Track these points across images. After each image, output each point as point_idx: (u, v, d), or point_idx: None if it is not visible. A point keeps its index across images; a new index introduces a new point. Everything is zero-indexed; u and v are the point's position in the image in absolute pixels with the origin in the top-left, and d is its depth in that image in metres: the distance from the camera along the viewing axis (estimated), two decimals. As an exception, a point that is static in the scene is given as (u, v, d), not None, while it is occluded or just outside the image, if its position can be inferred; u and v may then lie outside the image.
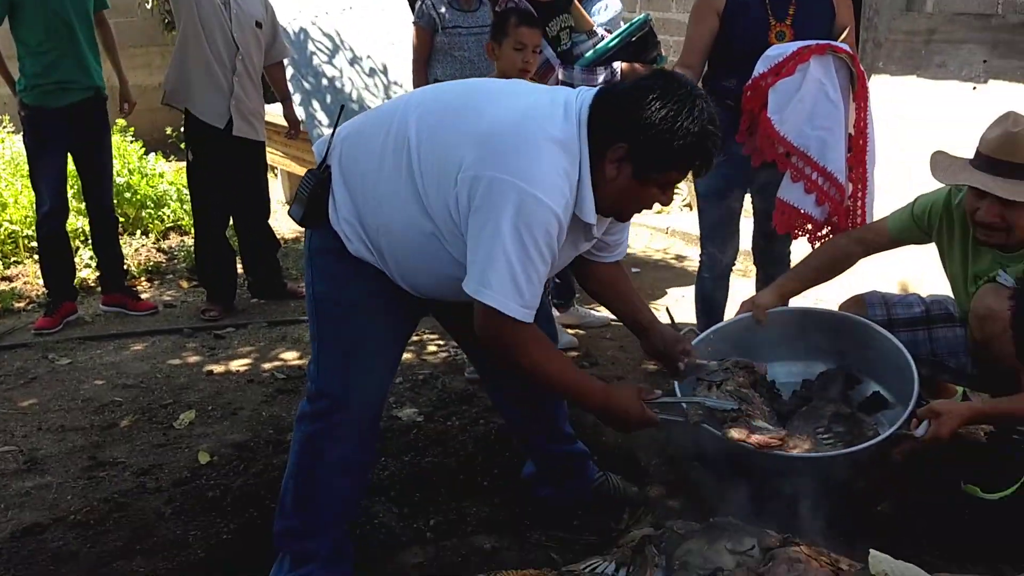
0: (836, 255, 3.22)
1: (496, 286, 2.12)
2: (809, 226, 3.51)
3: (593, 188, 2.21)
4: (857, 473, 2.74)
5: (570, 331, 4.74)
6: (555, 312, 4.79)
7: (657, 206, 2.35)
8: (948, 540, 2.67)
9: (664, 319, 4.74)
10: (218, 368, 4.48)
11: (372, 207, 2.29)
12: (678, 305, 4.99)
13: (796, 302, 3.37)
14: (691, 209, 6.81)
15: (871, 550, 1.78)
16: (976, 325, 2.77)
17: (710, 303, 3.91)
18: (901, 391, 2.81)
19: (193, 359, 4.62)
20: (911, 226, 3.01)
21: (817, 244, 3.54)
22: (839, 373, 3.08)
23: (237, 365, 4.52)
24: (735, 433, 2.48)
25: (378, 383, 2.47)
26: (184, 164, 5.58)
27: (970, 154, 2.80)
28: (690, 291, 4.24)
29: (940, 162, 2.86)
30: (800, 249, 3.79)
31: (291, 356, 4.63)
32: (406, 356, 4.61)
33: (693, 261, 5.56)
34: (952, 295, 3.10)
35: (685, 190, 6.99)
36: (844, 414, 2.86)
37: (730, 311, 3.98)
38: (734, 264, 3.89)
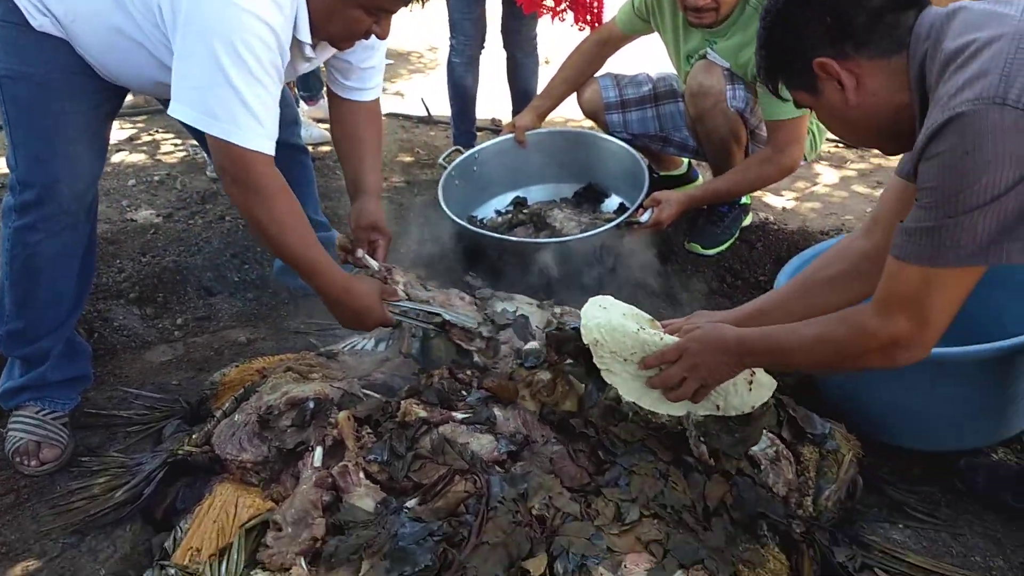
0: (580, 63, 3.26)
1: (225, 116, 1.89)
2: (550, 2, 3.49)
3: (307, 6, 2.00)
4: (596, 254, 2.94)
5: (321, 125, 4.54)
6: (304, 106, 4.56)
7: None
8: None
9: (421, 111, 4.76)
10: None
11: None
12: (434, 96, 4.89)
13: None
14: None
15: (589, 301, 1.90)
16: (690, 102, 2.92)
17: (461, 89, 3.86)
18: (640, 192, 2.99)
19: None
20: (634, 18, 3.07)
21: (557, 21, 3.54)
22: (591, 190, 3.31)
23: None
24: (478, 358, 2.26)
25: (86, 169, 2.20)
26: None
27: None
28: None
29: None
30: (545, 29, 3.77)
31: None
32: (137, 157, 4.25)
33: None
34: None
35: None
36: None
37: (481, 97, 3.98)
38: (483, 48, 3.82)
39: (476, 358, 2.18)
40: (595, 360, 1.86)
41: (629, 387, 1.85)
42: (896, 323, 1.43)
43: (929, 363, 1.95)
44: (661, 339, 1.80)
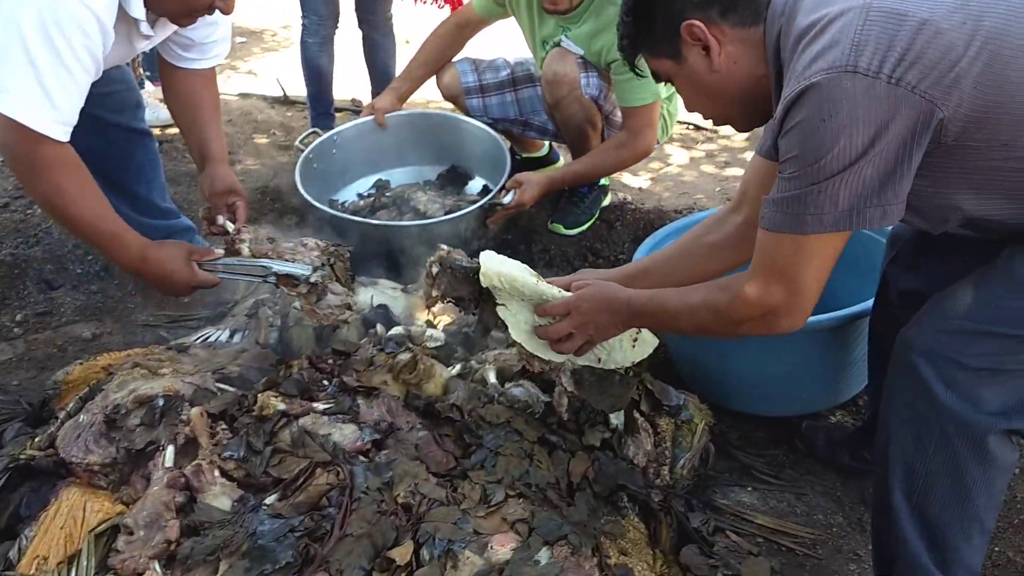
0: (439, 46, 3.21)
1: (17, 91, 1.78)
2: (410, -20, 3.46)
3: None
4: (468, 236, 2.93)
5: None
6: (149, 86, 4.33)
7: None
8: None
9: (276, 91, 4.60)
10: None
11: None
12: (289, 76, 4.74)
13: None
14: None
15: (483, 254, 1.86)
16: (546, 89, 2.95)
17: (316, 70, 3.76)
18: (502, 174, 2.99)
19: None
20: (491, 3, 3.05)
21: (419, 3, 3.51)
22: (454, 172, 3.29)
23: None
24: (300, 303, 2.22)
25: None
26: None
27: None
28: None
29: None
30: (404, 7, 3.72)
31: None
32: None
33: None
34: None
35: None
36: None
37: (339, 77, 3.89)
38: (337, 27, 3.73)
39: (297, 303, 2.15)
40: (495, 294, 1.81)
41: (519, 328, 1.81)
42: (771, 293, 1.46)
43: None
44: (559, 292, 1.77)
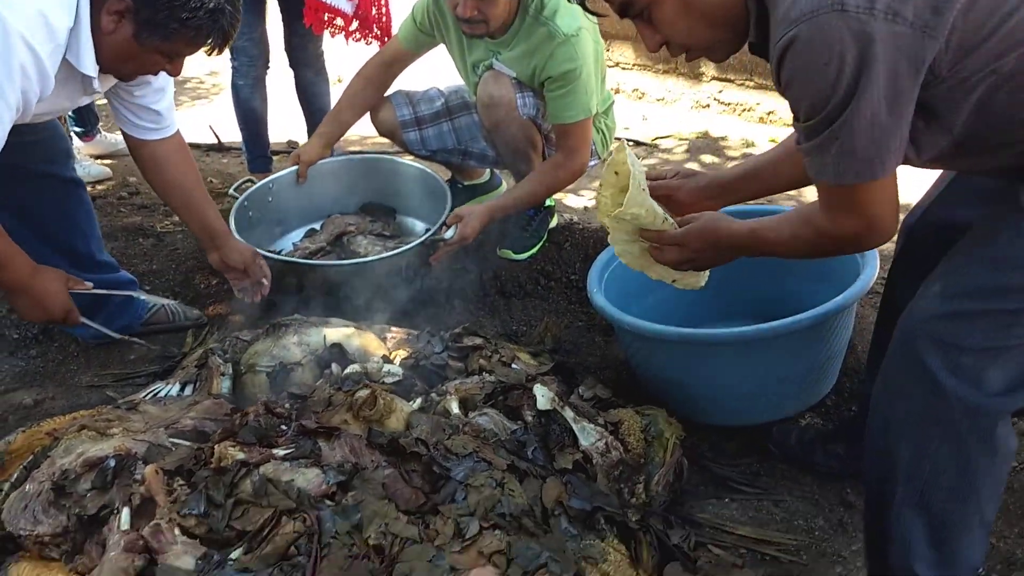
0: (366, 88, 3.13)
1: None
2: (340, 21, 3.41)
3: (93, 38, 1.97)
4: (409, 274, 2.92)
5: (101, 161, 4.22)
6: (78, 142, 4.23)
7: None
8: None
9: (210, 138, 4.52)
10: None
11: None
12: (222, 122, 4.67)
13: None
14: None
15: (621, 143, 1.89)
16: (483, 113, 2.92)
17: (250, 113, 3.69)
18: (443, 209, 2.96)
19: None
20: (418, 33, 3.00)
21: (352, 41, 3.47)
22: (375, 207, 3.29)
23: None
24: None
25: None
26: None
27: None
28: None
29: None
30: (333, 45, 3.68)
31: None
32: None
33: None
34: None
35: None
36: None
37: (274, 118, 3.84)
38: (268, 68, 3.67)
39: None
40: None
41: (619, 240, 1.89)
42: (846, 225, 1.46)
43: (738, 342, 2.08)
44: (665, 220, 1.82)
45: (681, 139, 4.51)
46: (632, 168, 1.77)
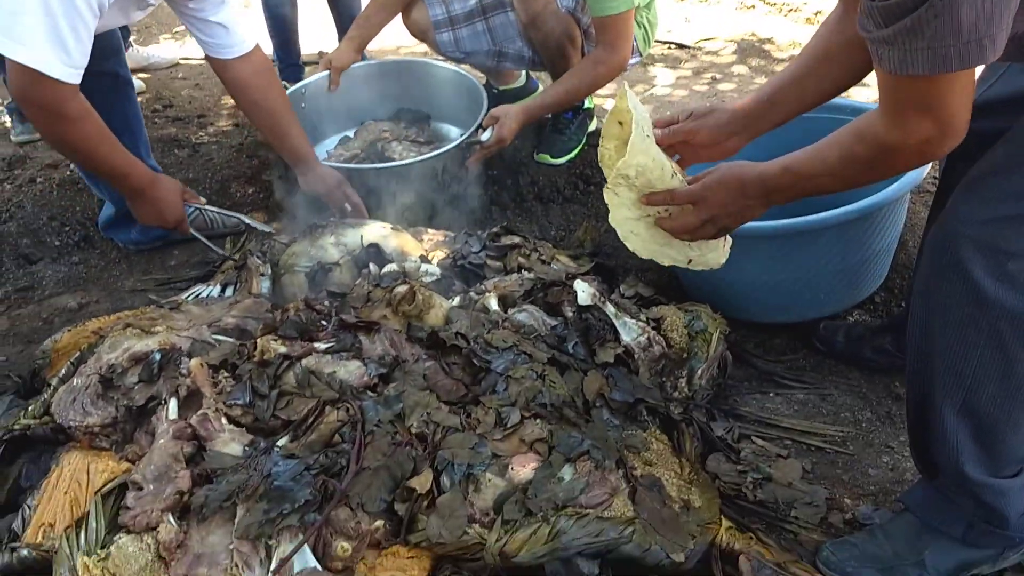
0: None
1: (31, 42, 1.84)
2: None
3: None
4: (445, 179, 2.85)
5: (134, 76, 4.19)
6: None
7: None
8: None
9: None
10: None
11: None
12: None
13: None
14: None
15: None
16: (520, 7, 2.82)
17: (280, 20, 3.63)
18: (478, 114, 2.88)
19: None
20: None
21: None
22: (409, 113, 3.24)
23: None
24: None
25: None
26: None
27: None
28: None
29: None
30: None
31: None
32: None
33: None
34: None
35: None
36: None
37: (305, 28, 3.77)
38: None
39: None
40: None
41: (622, 218, 1.58)
42: (919, 130, 1.27)
43: (781, 236, 2.02)
44: (674, 175, 1.56)
45: (728, 41, 4.35)
46: (635, 113, 1.52)
